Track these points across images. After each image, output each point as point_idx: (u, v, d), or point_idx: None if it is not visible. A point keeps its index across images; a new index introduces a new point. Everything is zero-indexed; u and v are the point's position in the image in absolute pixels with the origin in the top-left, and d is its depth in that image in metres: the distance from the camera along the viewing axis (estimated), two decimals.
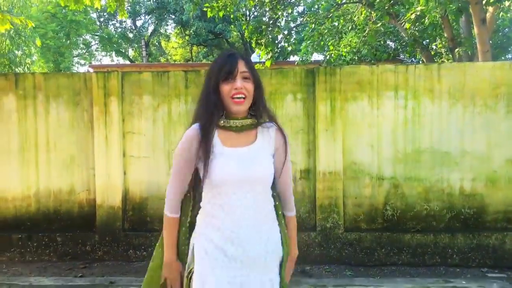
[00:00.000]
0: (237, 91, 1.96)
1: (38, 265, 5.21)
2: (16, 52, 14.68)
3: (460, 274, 4.83)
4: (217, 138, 2.00)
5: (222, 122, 2.01)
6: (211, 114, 1.98)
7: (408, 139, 5.25)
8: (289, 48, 13.20)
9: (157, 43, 34.18)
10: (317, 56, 15.99)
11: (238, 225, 1.96)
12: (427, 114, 5.23)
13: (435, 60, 12.50)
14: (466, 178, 5.21)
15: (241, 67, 1.99)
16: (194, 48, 31.26)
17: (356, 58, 12.84)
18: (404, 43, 13.00)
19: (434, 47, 12.11)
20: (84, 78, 5.42)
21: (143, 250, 5.31)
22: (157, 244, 2.20)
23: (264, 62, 12.54)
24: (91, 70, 28.83)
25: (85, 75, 5.45)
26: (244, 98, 1.98)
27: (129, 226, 5.41)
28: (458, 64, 5.48)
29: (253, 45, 13.23)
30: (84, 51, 33.57)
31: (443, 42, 11.55)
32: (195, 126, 2.02)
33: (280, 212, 2.11)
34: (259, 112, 2.07)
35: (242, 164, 1.97)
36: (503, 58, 12.85)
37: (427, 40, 11.68)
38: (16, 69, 14.70)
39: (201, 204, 2.06)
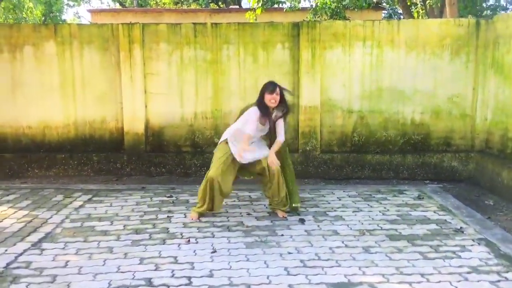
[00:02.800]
0: (273, 98, 4.52)
1: (80, 178, 6.61)
2: None
3: (407, 185, 6.32)
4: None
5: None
6: (263, 107, 4.58)
7: (373, 79, 6.59)
8: None
9: None
10: (304, 3, 16.93)
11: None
12: (388, 60, 6.56)
13: (411, 10, 13.65)
14: (416, 111, 6.63)
15: (277, 90, 4.52)
16: None
17: (340, 6, 13.82)
18: None
19: None
20: (111, 28, 6.62)
21: (162, 167, 6.73)
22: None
23: (255, 9, 13.51)
24: (87, 14, 28.93)
25: (112, 26, 6.64)
26: (275, 102, 4.53)
27: (150, 148, 6.80)
28: (413, 20, 6.79)
29: None
30: None
31: None
32: (257, 109, 4.59)
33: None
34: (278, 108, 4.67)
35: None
36: (476, 9, 13.91)
37: None
38: (20, 14, 15.49)
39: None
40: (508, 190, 5.51)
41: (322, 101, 6.61)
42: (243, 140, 4.54)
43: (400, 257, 3.73)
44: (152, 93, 6.70)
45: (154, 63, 6.66)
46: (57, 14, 27.61)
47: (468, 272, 3.45)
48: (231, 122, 6.64)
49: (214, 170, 4.55)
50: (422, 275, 3.41)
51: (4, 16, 14.67)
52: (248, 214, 4.81)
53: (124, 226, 4.45)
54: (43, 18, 21.17)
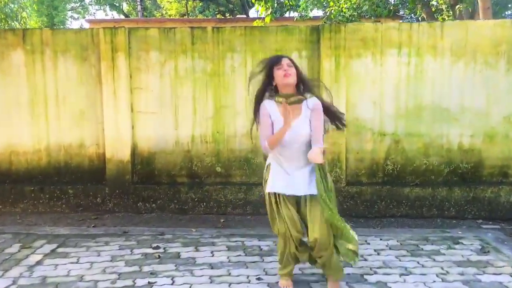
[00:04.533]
0: (285, 72, 2.96)
1: (51, 216, 5.41)
2: (12, 5, 14.41)
3: (456, 226, 5.05)
4: (277, 112, 3.04)
5: (278, 99, 3.04)
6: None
7: (410, 95, 5.37)
8: (289, 3, 13.07)
9: None
10: (316, 12, 15.86)
11: (288, 160, 3.12)
12: (429, 71, 5.33)
13: (436, 17, 12.45)
14: (465, 134, 5.38)
15: (285, 60, 3.02)
16: (190, 2, 30.67)
17: (356, 14, 12.75)
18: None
19: (435, 3, 12.06)
20: (91, 34, 5.46)
21: (152, 202, 5.50)
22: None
23: (263, 18, 12.44)
24: (86, 24, 28.39)
25: (92, 31, 5.49)
26: (291, 75, 2.96)
27: (138, 179, 5.58)
28: (461, 22, 5.55)
29: (253, 0, 13.09)
30: (78, 4, 32.98)
31: None
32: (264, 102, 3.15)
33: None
34: (303, 88, 3.06)
35: (291, 131, 2.96)
36: (503, 15, 12.79)
37: None
38: (12, 23, 14.47)
39: None
40: None
41: (348, 121, 5.35)
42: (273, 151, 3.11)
43: None
44: (141, 112, 5.50)
45: (143, 75, 5.47)
46: (61, 26, 26.76)
47: None
48: (236, 146, 5.47)
49: (281, 222, 3.16)
50: None
51: None
52: (258, 278, 3.54)
53: None
54: None
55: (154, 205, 5.51)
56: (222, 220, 5.25)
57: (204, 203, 5.49)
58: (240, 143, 5.50)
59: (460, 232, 4.69)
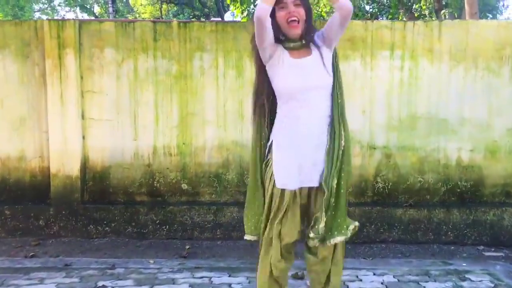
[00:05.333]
0: (290, 15, 2.37)
1: None
2: None
3: (456, 253, 4.44)
4: (286, 52, 2.47)
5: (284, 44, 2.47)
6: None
7: (404, 104, 4.74)
8: None
9: None
10: None
11: (298, 121, 2.46)
12: (425, 77, 4.72)
13: None
14: (464, 148, 4.77)
15: None
16: (164, 6, 29.91)
17: None
18: (386, 4, 12.48)
19: (418, 8, 11.64)
20: (35, 27, 4.66)
21: (105, 225, 4.71)
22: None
23: (239, 21, 11.83)
24: None
25: (35, 23, 4.70)
26: (297, 21, 2.37)
27: (89, 198, 4.79)
28: (461, 21, 4.97)
29: (228, 1, 12.44)
30: (46, 5, 31.82)
31: (428, 4, 11.05)
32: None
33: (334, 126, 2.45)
34: (309, 33, 2.47)
35: (301, 72, 2.44)
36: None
37: (411, 1, 11.17)
38: None
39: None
40: None
41: None
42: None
43: None
44: (93, 119, 4.72)
45: (97, 76, 4.70)
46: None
47: None
48: (205, 160, 4.74)
49: (275, 253, 2.51)
50: None
51: None
52: None
53: None
54: None
55: (107, 228, 4.71)
56: (187, 247, 4.50)
57: (167, 226, 4.72)
58: (210, 156, 4.77)
59: (464, 264, 4.03)
